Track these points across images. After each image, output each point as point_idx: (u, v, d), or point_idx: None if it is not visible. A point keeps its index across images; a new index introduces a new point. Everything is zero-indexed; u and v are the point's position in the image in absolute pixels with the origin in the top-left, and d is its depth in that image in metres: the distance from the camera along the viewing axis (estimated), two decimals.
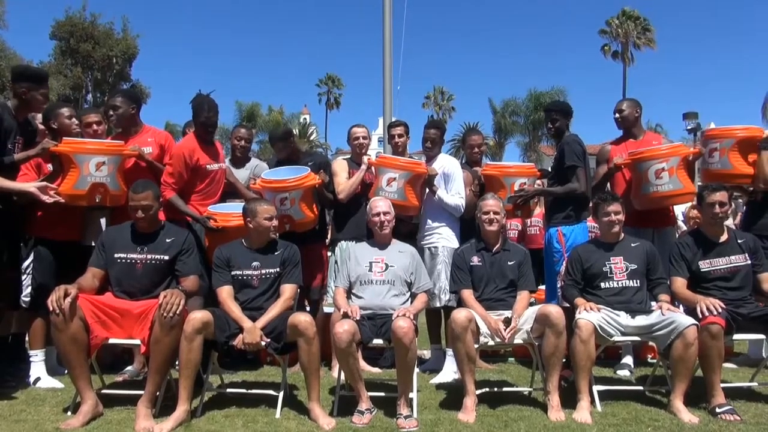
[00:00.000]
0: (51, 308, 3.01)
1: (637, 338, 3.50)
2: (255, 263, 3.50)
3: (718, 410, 3.17)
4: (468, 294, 3.64)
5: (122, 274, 3.42)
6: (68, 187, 3.79)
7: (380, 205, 3.81)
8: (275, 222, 3.56)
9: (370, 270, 3.64)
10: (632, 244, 3.70)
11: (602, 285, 3.62)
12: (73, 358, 3.09)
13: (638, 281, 3.61)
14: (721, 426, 3.03)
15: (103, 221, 4.31)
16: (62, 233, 3.97)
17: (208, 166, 4.24)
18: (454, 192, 4.41)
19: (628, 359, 4.41)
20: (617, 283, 3.60)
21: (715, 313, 3.24)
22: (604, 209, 3.68)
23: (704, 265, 3.63)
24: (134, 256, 3.44)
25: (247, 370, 4.38)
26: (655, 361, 3.93)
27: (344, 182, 4.51)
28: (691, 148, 4.19)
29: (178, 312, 3.09)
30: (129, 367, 4.18)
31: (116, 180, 3.90)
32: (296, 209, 4.15)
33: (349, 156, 4.83)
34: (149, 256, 3.44)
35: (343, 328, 3.16)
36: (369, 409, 3.22)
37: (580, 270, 3.70)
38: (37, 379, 3.82)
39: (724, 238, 3.68)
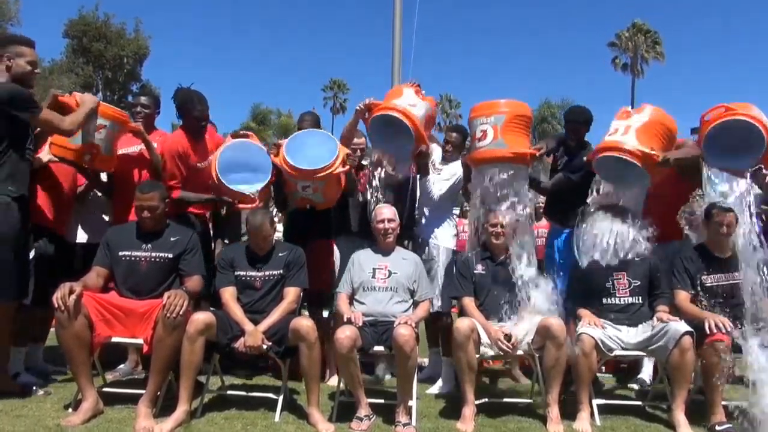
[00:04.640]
0: (56, 305, 3.04)
1: (637, 353, 3.49)
2: (258, 265, 3.52)
3: (717, 428, 3.16)
4: (468, 301, 3.63)
5: (126, 272, 3.45)
6: (63, 139, 3.65)
7: (385, 212, 3.80)
8: (266, 242, 3.54)
9: (373, 276, 3.64)
10: (636, 258, 3.69)
11: (604, 300, 3.62)
12: (76, 355, 3.12)
13: (641, 298, 3.60)
14: None
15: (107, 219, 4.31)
16: (49, 221, 3.88)
17: (198, 164, 4.11)
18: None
19: (645, 373, 4.30)
20: (620, 300, 3.59)
21: (723, 330, 3.21)
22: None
23: (707, 280, 3.62)
24: (139, 254, 3.46)
25: (248, 372, 4.38)
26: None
27: None
28: None
29: (181, 313, 3.12)
30: (121, 366, 4.17)
31: (110, 147, 3.85)
32: (319, 196, 3.89)
33: None
34: (153, 254, 3.47)
35: (345, 334, 3.17)
36: (368, 415, 3.22)
37: (582, 282, 3.69)
38: (17, 374, 3.77)
39: (728, 254, 3.66)
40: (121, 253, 3.46)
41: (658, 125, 3.67)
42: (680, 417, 3.20)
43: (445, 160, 4.47)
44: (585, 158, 3.97)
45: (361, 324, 3.31)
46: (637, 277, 3.62)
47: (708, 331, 3.22)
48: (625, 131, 3.63)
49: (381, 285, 3.61)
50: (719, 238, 3.61)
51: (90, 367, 3.21)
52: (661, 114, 3.73)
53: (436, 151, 4.48)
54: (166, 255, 3.48)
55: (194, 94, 4.13)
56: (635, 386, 4.25)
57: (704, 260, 3.65)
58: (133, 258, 3.46)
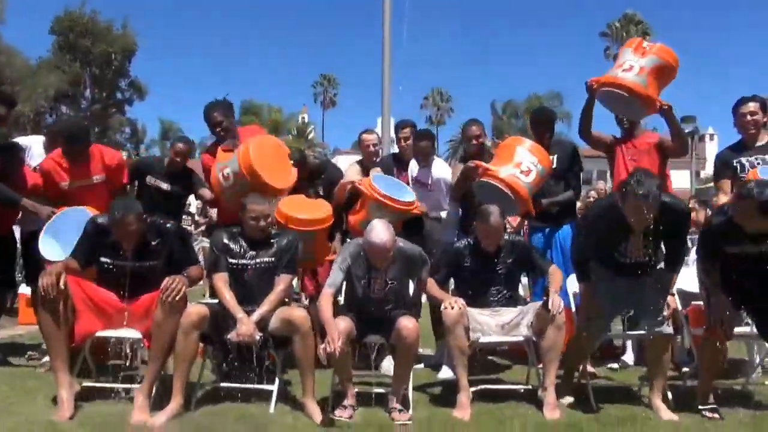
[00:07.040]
0: (43, 292, 2.99)
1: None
2: (250, 252, 3.42)
3: (700, 407, 3.19)
4: (431, 282, 3.54)
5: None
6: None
7: (383, 238, 3.26)
8: (263, 223, 3.43)
9: (369, 286, 3.43)
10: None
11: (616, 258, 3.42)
12: (55, 337, 3.08)
13: (653, 258, 3.44)
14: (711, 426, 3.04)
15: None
16: None
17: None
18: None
19: (628, 355, 4.40)
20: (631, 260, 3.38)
21: (725, 335, 3.15)
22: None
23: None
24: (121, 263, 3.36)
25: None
26: None
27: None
28: None
29: (178, 298, 3.08)
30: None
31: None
32: None
33: (360, 158, 4.83)
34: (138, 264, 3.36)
35: (339, 326, 3.13)
36: (352, 405, 3.22)
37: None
38: None
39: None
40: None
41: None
42: (657, 402, 3.23)
43: (420, 169, 4.52)
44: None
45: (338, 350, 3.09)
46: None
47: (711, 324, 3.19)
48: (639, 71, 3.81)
49: (377, 296, 3.41)
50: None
51: (68, 353, 3.15)
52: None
53: (412, 164, 4.58)
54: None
55: (207, 106, 4.35)
56: (615, 365, 4.29)
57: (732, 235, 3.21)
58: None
